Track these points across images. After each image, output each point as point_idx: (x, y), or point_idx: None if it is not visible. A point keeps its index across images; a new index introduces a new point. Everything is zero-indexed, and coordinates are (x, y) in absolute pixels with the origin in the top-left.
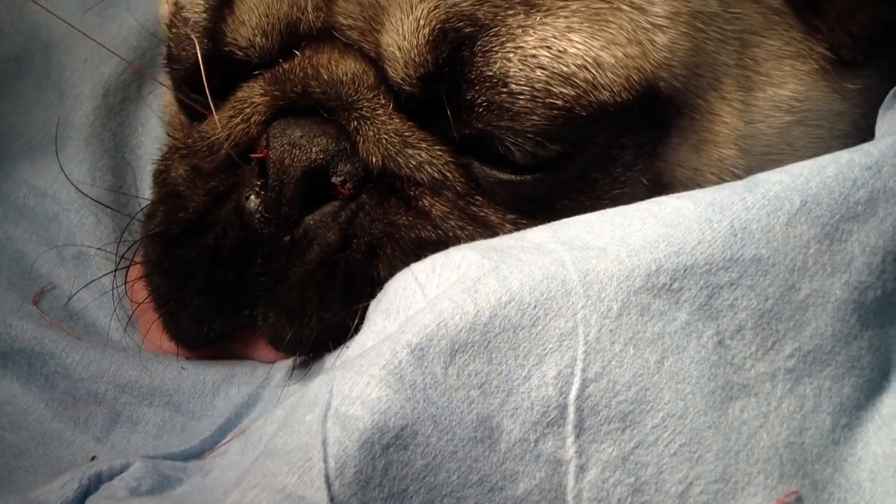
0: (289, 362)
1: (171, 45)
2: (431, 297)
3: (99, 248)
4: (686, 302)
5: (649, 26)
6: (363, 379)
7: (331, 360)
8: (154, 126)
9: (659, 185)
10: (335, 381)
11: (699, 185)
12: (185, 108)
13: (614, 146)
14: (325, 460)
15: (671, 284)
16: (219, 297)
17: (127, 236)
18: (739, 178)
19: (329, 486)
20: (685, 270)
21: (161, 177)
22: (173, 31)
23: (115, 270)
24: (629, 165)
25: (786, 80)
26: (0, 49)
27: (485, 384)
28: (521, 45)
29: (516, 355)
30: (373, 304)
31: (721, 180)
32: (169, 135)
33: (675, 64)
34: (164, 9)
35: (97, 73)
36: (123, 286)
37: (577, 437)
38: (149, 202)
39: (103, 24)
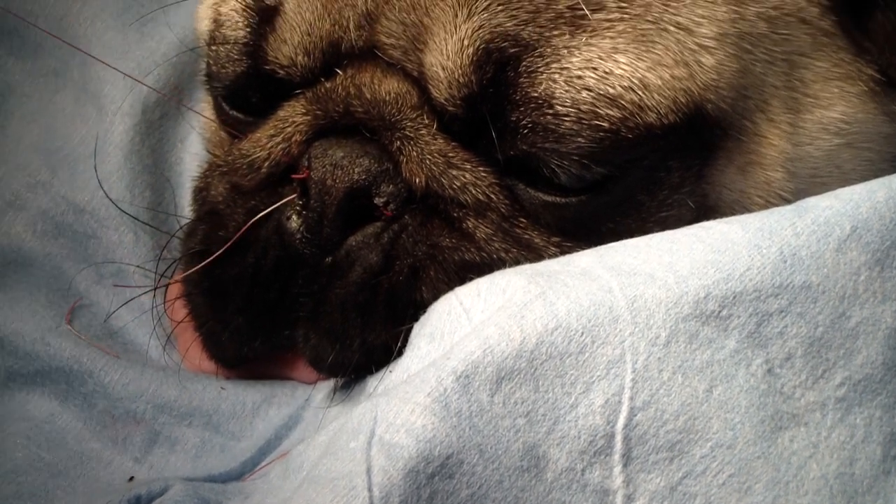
0: (330, 383)
1: (211, 62)
2: (477, 322)
3: (138, 266)
4: (735, 329)
5: (696, 47)
6: (408, 406)
7: (373, 382)
8: (194, 142)
9: (705, 208)
10: (379, 409)
11: (746, 208)
12: (225, 126)
13: (660, 168)
14: (370, 489)
15: (720, 311)
16: (259, 317)
17: (166, 254)
18: (787, 201)
19: None
20: (734, 297)
21: (201, 194)
22: (213, 48)
23: (155, 289)
24: (675, 188)
25: (834, 102)
26: (38, 63)
27: (531, 412)
28: (566, 65)
29: (563, 383)
30: (416, 328)
31: (768, 203)
32: (209, 152)
33: (723, 86)
34: (204, 25)
35: (136, 88)
36: (163, 305)
37: (625, 466)
38: (188, 220)
39: (142, 40)
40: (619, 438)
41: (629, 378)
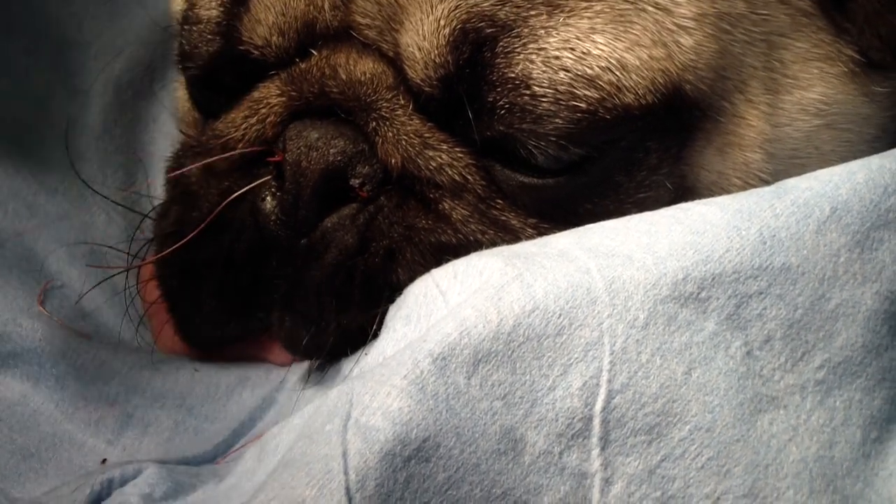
0: (304, 365)
1: (184, 42)
2: (453, 304)
3: (110, 247)
4: (714, 311)
5: (675, 28)
6: (384, 389)
7: (348, 365)
8: (166, 122)
9: (683, 189)
10: (355, 391)
11: (724, 190)
12: (198, 106)
13: (638, 149)
14: (346, 472)
15: (699, 293)
16: (233, 299)
17: (139, 235)
18: (765, 182)
19: (350, 499)
20: (713, 279)
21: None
22: (186, 28)
23: (128, 270)
24: (653, 169)
25: (813, 82)
26: (10, 44)
27: (508, 395)
28: (543, 46)
29: (540, 365)
30: (392, 310)
31: (746, 184)
32: (182, 132)
33: (701, 66)
34: (177, 4)
35: (108, 68)
36: (136, 286)
37: (603, 449)
38: (161, 201)
39: (114, 19)
40: (596, 421)
41: (607, 360)
